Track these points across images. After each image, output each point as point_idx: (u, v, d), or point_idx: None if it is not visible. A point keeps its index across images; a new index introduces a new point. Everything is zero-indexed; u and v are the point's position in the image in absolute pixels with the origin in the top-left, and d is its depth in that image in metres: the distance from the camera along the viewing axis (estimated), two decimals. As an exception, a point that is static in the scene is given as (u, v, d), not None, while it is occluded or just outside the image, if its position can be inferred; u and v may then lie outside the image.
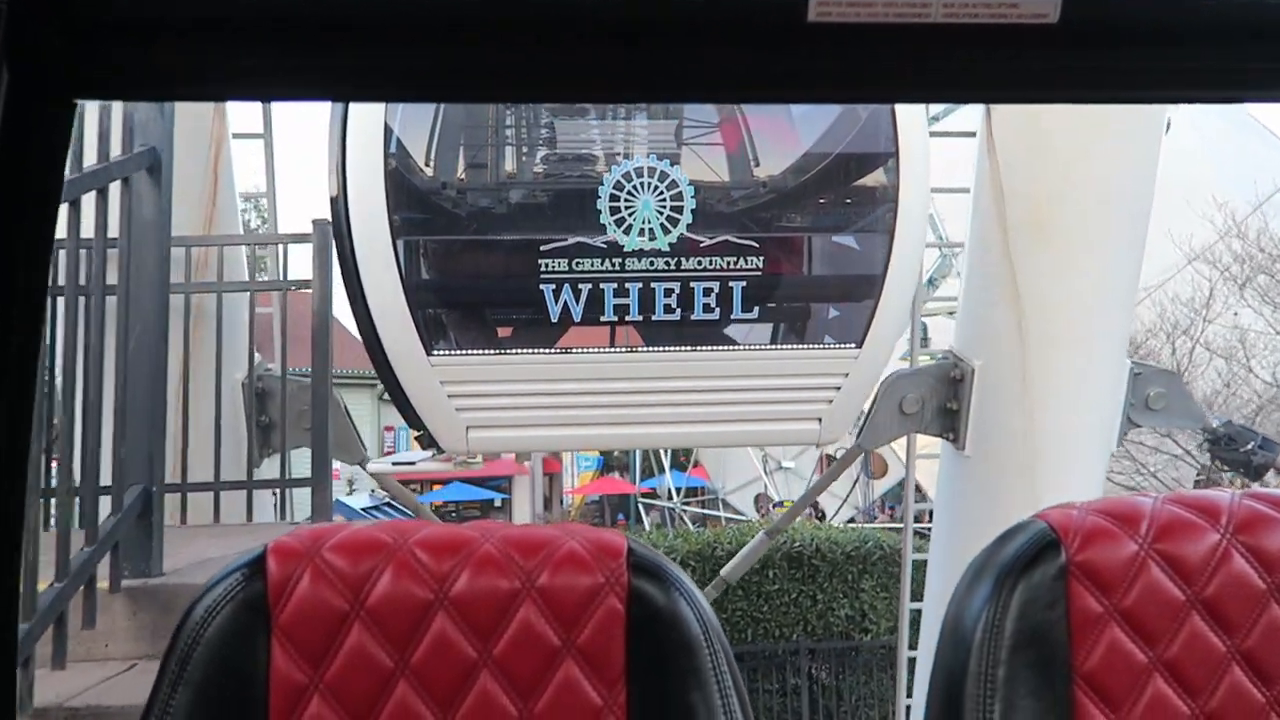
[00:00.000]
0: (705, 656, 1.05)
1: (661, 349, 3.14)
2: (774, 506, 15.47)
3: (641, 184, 2.91)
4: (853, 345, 3.35)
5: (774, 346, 3.31)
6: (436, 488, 28.23)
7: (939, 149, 17.44)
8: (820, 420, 3.37)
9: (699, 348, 3.13)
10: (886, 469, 22.51)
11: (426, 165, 3.18)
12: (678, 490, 21.37)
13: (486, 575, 1.06)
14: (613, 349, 3.16)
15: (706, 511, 20.29)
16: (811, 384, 3.34)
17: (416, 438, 3.65)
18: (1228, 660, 1.10)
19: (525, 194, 3.27)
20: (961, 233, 15.97)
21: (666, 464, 20.32)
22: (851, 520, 22.28)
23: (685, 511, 18.66)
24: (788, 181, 3.33)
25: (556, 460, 31.18)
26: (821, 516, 22.20)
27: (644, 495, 22.42)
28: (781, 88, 0.70)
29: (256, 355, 4.50)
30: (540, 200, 3.23)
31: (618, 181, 2.95)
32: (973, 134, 5.32)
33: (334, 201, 3.17)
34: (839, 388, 3.35)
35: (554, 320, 3.06)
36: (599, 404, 3.19)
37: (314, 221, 3.26)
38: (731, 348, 3.19)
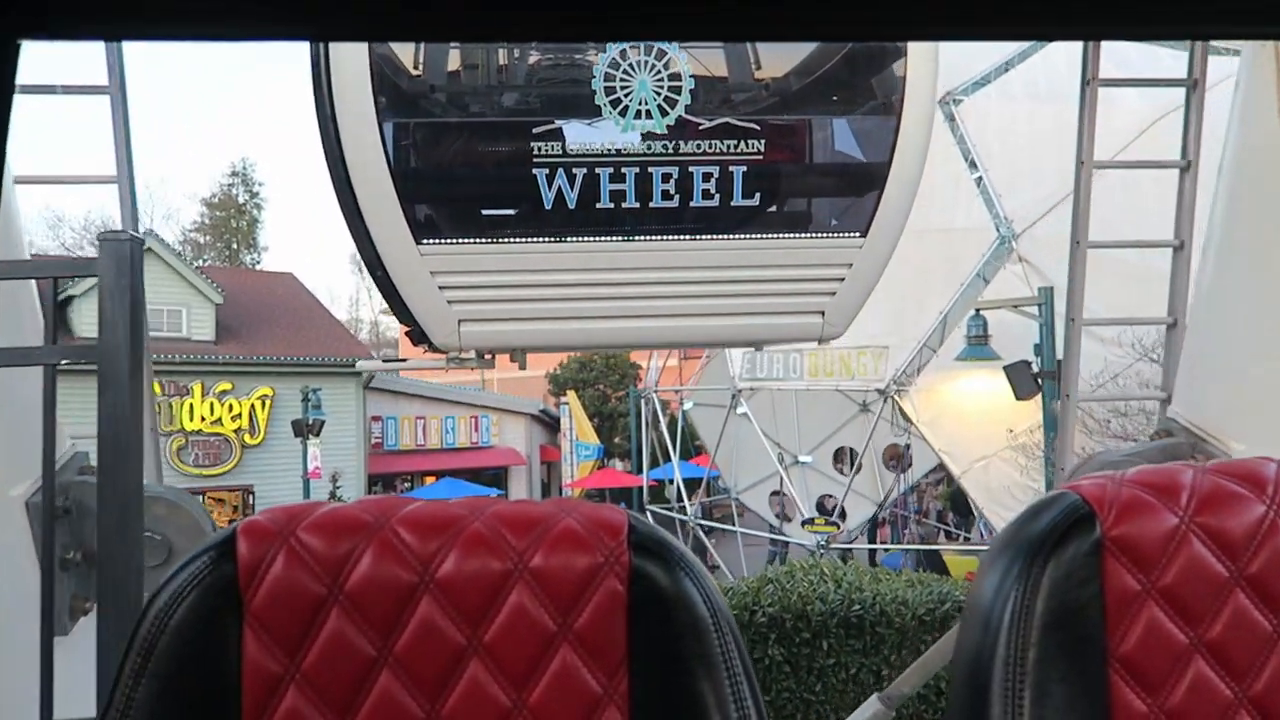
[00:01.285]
0: (713, 640, 0.96)
1: (659, 238, 2.93)
2: (803, 524, 13.42)
3: (638, 62, 2.78)
4: (857, 234, 3.08)
5: (775, 235, 3.05)
6: (430, 480, 26.44)
7: (988, 106, 14.81)
8: (823, 314, 3.13)
9: (698, 236, 2.94)
10: (910, 462, 20.90)
11: (415, 45, 2.99)
12: (686, 486, 19.32)
13: (476, 555, 0.97)
14: (609, 237, 2.94)
15: (724, 526, 18.18)
16: (814, 275, 3.06)
17: (406, 333, 3.29)
18: (1274, 640, 1.02)
19: (517, 74, 3.13)
20: (1025, 209, 13.76)
21: (675, 453, 18.26)
22: (874, 519, 20.59)
23: (701, 525, 16.48)
24: (790, 60, 3.13)
25: (555, 449, 29.51)
26: (843, 515, 20.51)
27: (651, 490, 20.40)
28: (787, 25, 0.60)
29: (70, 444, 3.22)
30: (533, 81, 3.08)
31: (613, 60, 2.79)
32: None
33: (316, 88, 2.95)
34: (842, 279, 3.08)
35: (548, 207, 2.86)
36: (596, 296, 3.00)
37: (101, 238, 2.61)
38: (731, 236, 2.97)
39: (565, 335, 3.29)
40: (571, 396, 27.90)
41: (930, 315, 12.90)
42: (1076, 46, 14.49)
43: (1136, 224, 12.69)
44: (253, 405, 23.12)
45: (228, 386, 22.84)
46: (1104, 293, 12.63)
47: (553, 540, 0.98)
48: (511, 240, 3.03)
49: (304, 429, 20.77)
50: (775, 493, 20.38)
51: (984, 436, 12.43)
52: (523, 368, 4.26)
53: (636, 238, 2.99)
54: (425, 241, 2.98)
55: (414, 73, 3.05)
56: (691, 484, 21.12)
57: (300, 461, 21.04)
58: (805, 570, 9.02)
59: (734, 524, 20.44)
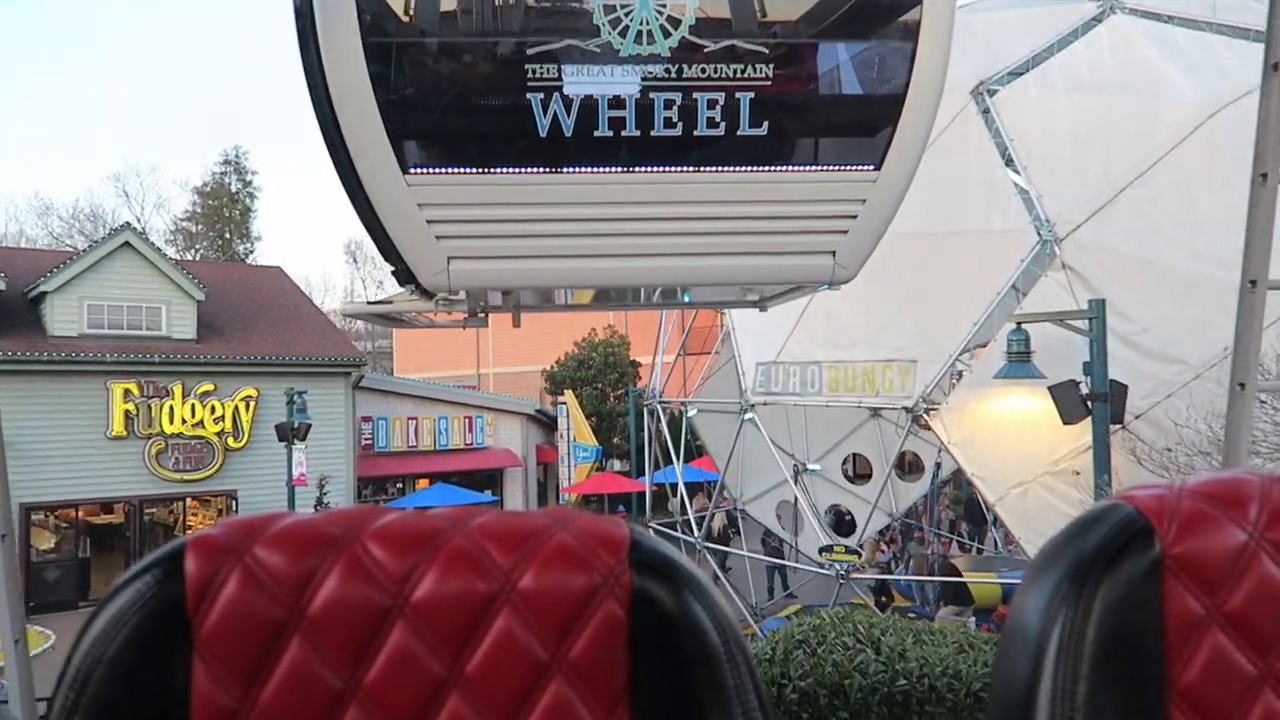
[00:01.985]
0: (725, 671, 0.86)
1: (661, 169, 2.79)
2: (821, 551, 12.19)
3: None
4: (870, 167, 2.88)
5: (783, 168, 2.89)
6: (423, 484, 25.20)
7: (1026, 97, 13.30)
8: (834, 254, 2.95)
9: (702, 169, 2.80)
10: (924, 468, 19.77)
11: None
12: (688, 489, 18.07)
13: (457, 575, 0.87)
14: (608, 169, 2.79)
15: (737, 551, 16.93)
16: (824, 211, 2.89)
17: (393, 273, 3.09)
18: None
19: None
20: (1069, 211, 12.44)
21: (678, 460, 17.06)
22: (887, 532, 19.46)
23: (708, 548, 15.22)
24: None
25: (552, 449, 28.33)
26: (853, 527, 19.41)
27: (652, 495, 19.23)
28: None
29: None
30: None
31: None
32: None
33: (296, 4, 2.78)
34: (855, 216, 2.89)
35: (542, 134, 2.68)
36: (592, 232, 2.83)
37: None
38: (737, 169, 2.83)
39: (561, 274, 3.07)
40: (569, 396, 26.71)
41: (963, 327, 11.64)
42: (1121, 33, 13.00)
43: (1194, 233, 11.25)
44: (236, 407, 22.20)
45: (210, 387, 21.87)
46: (1152, 303, 11.18)
47: (544, 558, 0.87)
48: (504, 171, 2.84)
49: (288, 433, 19.53)
50: (785, 502, 19.19)
51: (1022, 460, 11.25)
52: (516, 325, 3.97)
53: (637, 169, 2.80)
54: (413, 170, 2.78)
55: None
56: (692, 487, 19.88)
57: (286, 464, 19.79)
58: (837, 628, 7.79)
59: (738, 531, 19.32)
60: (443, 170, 2.87)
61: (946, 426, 11.75)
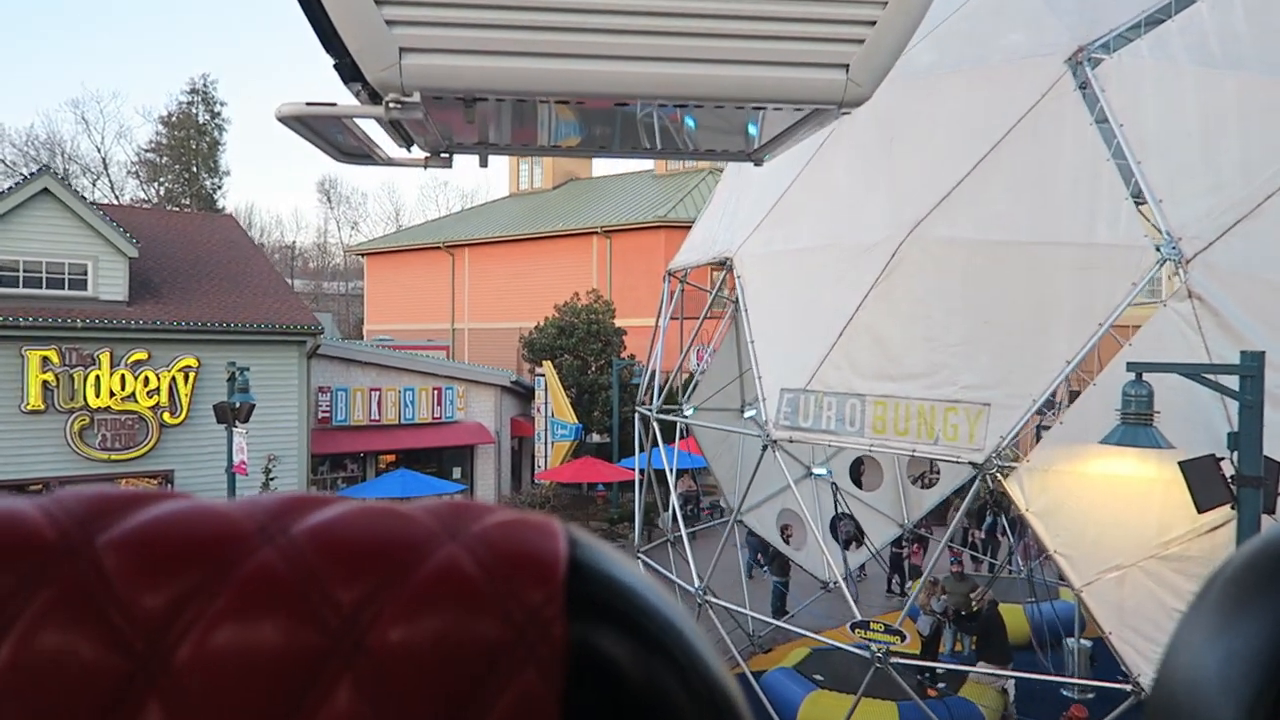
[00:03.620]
0: None
1: None
2: (852, 628, 9.52)
3: None
4: None
5: None
6: (389, 461, 22.31)
7: (1140, 71, 9.83)
8: (847, 68, 2.32)
9: None
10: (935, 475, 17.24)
11: None
12: (676, 478, 15.49)
13: (262, 617, 0.43)
14: None
15: (731, 606, 14.28)
16: (838, 14, 2.32)
17: (335, 66, 2.41)
18: None
19: None
20: (1198, 222, 9.31)
21: (673, 483, 14.50)
22: (898, 543, 17.07)
23: (713, 603, 12.59)
24: None
25: (528, 421, 25.61)
26: (860, 538, 16.97)
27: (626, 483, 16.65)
28: None
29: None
30: None
31: None
32: None
33: None
34: (873, 23, 2.28)
35: None
36: (574, 25, 2.26)
37: None
38: None
39: (532, 76, 2.35)
40: (548, 368, 23.87)
41: (1052, 366, 8.83)
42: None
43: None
44: (174, 378, 19.19)
45: (143, 356, 18.81)
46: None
47: (417, 590, 0.44)
48: None
49: (228, 414, 16.58)
50: (787, 510, 16.63)
51: (1121, 539, 8.60)
52: (484, 165, 3.31)
53: None
54: None
55: None
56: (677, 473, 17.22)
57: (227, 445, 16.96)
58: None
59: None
60: None
61: (1025, 491, 9.03)
